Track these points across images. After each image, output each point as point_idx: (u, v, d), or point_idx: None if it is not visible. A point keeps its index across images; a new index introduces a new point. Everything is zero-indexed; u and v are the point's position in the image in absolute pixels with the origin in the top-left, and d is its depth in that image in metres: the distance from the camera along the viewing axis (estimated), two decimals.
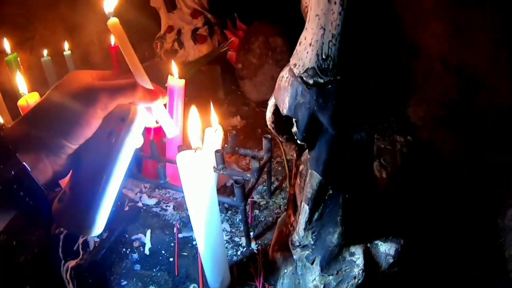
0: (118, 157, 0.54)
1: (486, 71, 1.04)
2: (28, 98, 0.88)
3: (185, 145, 1.01)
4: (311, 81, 0.56)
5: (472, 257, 0.91)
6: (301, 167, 0.71)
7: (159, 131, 1.11)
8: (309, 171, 0.66)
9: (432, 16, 1.22)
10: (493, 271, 0.88)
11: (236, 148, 1.01)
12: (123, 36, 0.55)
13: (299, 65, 0.57)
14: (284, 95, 0.59)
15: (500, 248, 0.92)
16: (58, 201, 0.54)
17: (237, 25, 1.62)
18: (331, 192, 0.67)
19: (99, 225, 0.54)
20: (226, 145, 1.01)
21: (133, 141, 0.56)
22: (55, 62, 1.49)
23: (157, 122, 0.63)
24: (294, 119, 0.60)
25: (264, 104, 1.48)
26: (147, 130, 1.11)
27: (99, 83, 0.52)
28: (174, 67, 1.04)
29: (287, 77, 0.59)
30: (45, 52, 1.47)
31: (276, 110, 0.63)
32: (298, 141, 0.63)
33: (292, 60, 0.59)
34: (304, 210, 0.69)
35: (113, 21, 0.54)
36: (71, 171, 0.53)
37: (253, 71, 1.46)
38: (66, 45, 1.55)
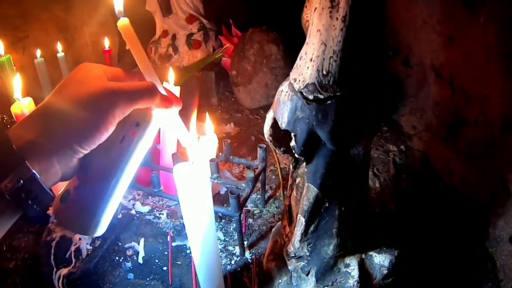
0: (129, 161, 0.53)
1: (478, 82, 1.06)
2: (23, 106, 0.87)
3: (179, 152, 1.01)
4: (311, 97, 0.57)
5: (464, 266, 0.92)
6: (297, 180, 0.71)
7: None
8: (306, 184, 0.66)
9: (426, 28, 1.24)
10: (485, 280, 0.89)
11: (231, 157, 1.01)
12: (134, 38, 0.53)
13: (299, 80, 0.58)
14: (283, 109, 0.60)
15: (491, 257, 0.93)
16: (61, 200, 0.52)
17: (232, 31, 1.63)
18: (327, 205, 0.68)
19: (103, 226, 0.54)
20: (220, 154, 1.02)
21: (145, 146, 0.55)
22: (47, 64, 1.48)
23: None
24: (292, 133, 0.60)
25: (258, 112, 1.51)
26: None
27: (118, 86, 0.48)
28: (170, 74, 1.03)
29: (286, 92, 0.60)
30: (38, 53, 1.46)
31: (275, 124, 0.63)
32: (296, 155, 0.63)
33: (292, 75, 0.59)
34: (300, 222, 0.70)
35: (123, 22, 0.52)
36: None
37: (247, 78, 1.46)
38: (59, 47, 1.54)
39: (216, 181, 0.92)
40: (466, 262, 0.93)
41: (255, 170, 0.94)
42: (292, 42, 1.47)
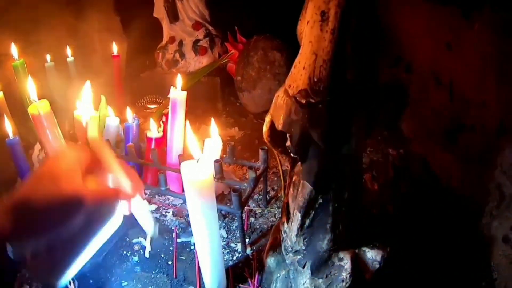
0: (96, 234, 0.61)
1: (475, 88, 1.09)
2: (40, 107, 0.93)
3: (186, 154, 1.06)
4: (303, 101, 0.62)
5: (459, 266, 0.95)
6: (294, 178, 0.76)
7: (160, 141, 1.16)
8: (301, 181, 0.71)
9: (425, 35, 1.28)
10: (480, 280, 0.93)
11: (234, 159, 1.06)
12: (104, 148, 0.61)
13: (293, 86, 0.63)
14: (280, 112, 0.65)
15: (486, 257, 0.96)
16: (32, 257, 0.56)
17: (238, 38, 1.68)
18: (321, 201, 0.73)
19: (66, 279, 0.61)
20: (224, 156, 1.07)
21: (113, 223, 0.64)
22: (57, 68, 1.53)
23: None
24: (288, 134, 0.65)
25: (262, 116, 1.54)
26: (148, 140, 1.17)
27: (86, 192, 0.55)
28: (178, 79, 1.09)
29: (282, 97, 0.65)
30: (48, 57, 1.52)
31: (272, 125, 0.69)
32: (292, 154, 0.68)
33: (287, 81, 0.65)
34: (296, 217, 0.75)
35: (93, 136, 0.63)
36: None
37: (252, 83, 1.52)
38: (69, 51, 1.59)
39: (219, 181, 0.97)
40: (461, 262, 0.96)
41: (257, 170, 1.00)
42: (295, 49, 1.52)
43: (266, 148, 1.02)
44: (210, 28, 1.76)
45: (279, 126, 0.65)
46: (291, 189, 0.78)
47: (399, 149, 1.39)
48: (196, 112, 1.49)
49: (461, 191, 1.13)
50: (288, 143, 0.66)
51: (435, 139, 1.31)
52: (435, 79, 1.28)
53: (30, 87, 1.01)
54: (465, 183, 1.13)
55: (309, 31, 0.60)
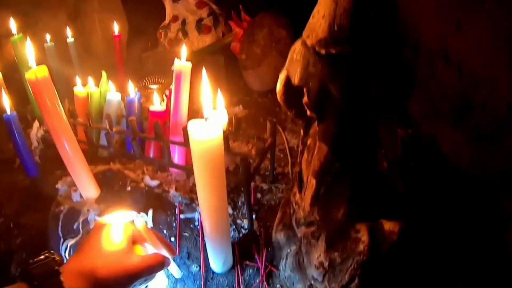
0: None
1: (485, 66, 1.06)
2: (37, 72, 0.87)
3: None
4: (323, 51, 0.57)
5: (473, 245, 0.91)
6: (308, 141, 0.71)
7: (163, 114, 1.11)
8: (317, 143, 0.66)
9: (434, 14, 1.24)
10: (493, 259, 0.89)
11: (241, 132, 1.01)
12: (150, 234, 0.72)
13: (311, 36, 0.58)
14: (296, 65, 0.60)
15: (499, 236, 0.93)
16: None
17: (242, 16, 1.63)
18: (338, 166, 0.68)
19: None
20: (230, 128, 1.02)
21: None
22: (57, 49, 1.49)
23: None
24: (305, 89, 0.60)
25: (267, 95, 1.51)
26: (151, 113, 1.12)
27: (143, 262, 0.69)
28: (183, 50, 1.04)
29: (299, 48, 0.60)
30: (48, 37, 1.47)
31: (287, 83, 0.64)
32: (308, 112, 0.63)
33: (305, 32, 0.60)
34: (311, 184, 0.70)
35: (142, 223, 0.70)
36: None
37: (257, 61, 1.47)
38: (69, 32, 1.55)
39: (225, 152, 0.92)
40: (474, 241, 0.92)
41: (265, 142, 0.95)
42: (301, 26, 1.48)
43: (274, 120, 0.98)
44: (214, 6, 1.70)
45: (295, 80, 0.60)
46: (305, 154, 0.73)
47: (407, 128, 1.35)
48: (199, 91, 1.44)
49: (471, 170, 1.10)
50: (305, 99, 0.61)
51: (443, 119, 1.28)
52: (444, 58, 1.24)
53: (28, 53, 0.95)
54: (475, 162, 1.09)
55: None
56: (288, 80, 0.63)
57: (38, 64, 0.90)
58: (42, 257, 0.65)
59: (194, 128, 0.63)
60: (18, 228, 1.04)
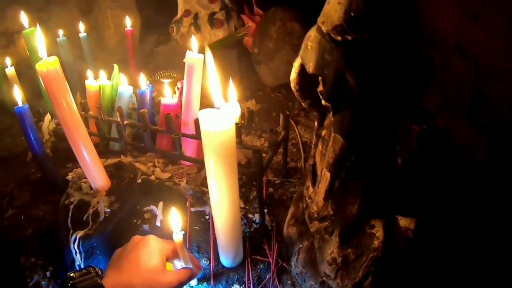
0: None
1: (502, 58, 1.03)
2: (48, 64, 0.86)
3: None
4: (339, 38, 0.55)
5: (491, 238, 0.89)
6: (323, 133, 0.69)
7: (175, 107, 1.10)
8: (332, 135, 0.64)
9: (449, 7, 1.21)
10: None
11: (253, 125, 0.99)
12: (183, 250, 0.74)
13: (327, 23, 0.56)
14: (311, 53, 0.58)
15: None
16: None
17: (254, 10, 1.61)
18: (353, 159, 0.66)
19: None
20: (243, 121, 1.00)
21: None
22: (69, 44, 1.49)
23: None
24: (320, 78, 0.58)
25: (279, 89, 1.49)
26: (163, 106, 1.11)
27: (174, 277, 0.71)
28: (193, 42, 1.02)
29: (314, 35, 0.58)
30: (60, 32, 1.47)
31: (301, 71, 0.62)
32: (324, 102, 0.61)
33: (320, 18, 0.58)
34: (325, 178, 0.68)
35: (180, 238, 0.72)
36: None
37: (270, 56, 1.45)
38: (81, 27, 1.55)
39: (238, 146, 0.91)
40: (492, 234, 0.90)
41: (278, 135, 0.93)
42: (314, 20, 1.45)
43: (287, 113, 0.96)
44: (226, 0, 1.69)
45: (310, 68, 0.58)
46: (319, 145, 0.71)
47: (421, 124, 1.32)
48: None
49: (486, 163, 1.08)
50: (320, 88, 0.59)
51: (458, 113, 1.25)
52: (459, 51, 1.21)
53: (39, 44, 0.93)
54: (492, 155, 1.07)
55: None
56: (302, 69, 0.62)
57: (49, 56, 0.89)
58: (84, 271, 0.67)
59: (206, 119, 0.61)
60: (29, 219, 1.04)
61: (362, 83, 0.57)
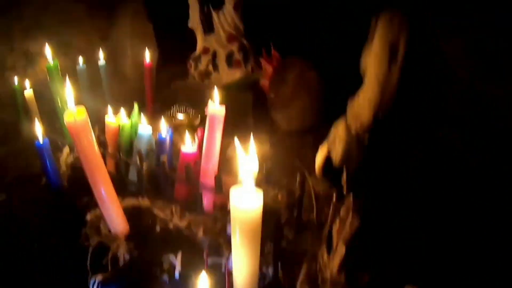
0: None
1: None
2: (76, 115, 0.90)
3: (222, 174, 1.03)
4: (366, 136, 0.60)
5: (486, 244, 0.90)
6: (342, 212, 0.73)
7: (194, 156, 1.13)
8: (350, 214, 0.69)
9: None
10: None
11: (272, 183, 1.04)
12: None
13: (356, 123, 0.61)
14: (339, 146, 0.63)
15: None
16: None
17: (272, 53, 1.66)
18: (368, 237, 0.70)
19: None
20: (261, 177, 1.04)
21: None
22: (88, 72, 1.53)
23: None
24: (345, 171, 0.63)
25: (294, 134, 1.52)
26: (182, 155, 1.14)
27: None
28: (216, 93, 1.06)
29: (342, 130, 0.63)
30: (80, 60, 1.51)
31: (327, 159, 0.66)
32: (344, 191, 0.66)
33: (349, 115, 0.63)
34: (341, 251, 0.72)
35: None
36: None
37: (287, 102, 1.50)
38: (101, 55, 1.58)
39: None
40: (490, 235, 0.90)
41: (293, 195, 0.97)
42: (329, 71, 1.50)
43: (304, 171, 1.00)
44: (245, 41, 1.74)
45: (337, 161, 0.63)
46: (336, 222, 0.75)
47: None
48: (226, 128, 1.47)
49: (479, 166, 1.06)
50: (343, 179, 0.64)
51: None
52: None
53: (68, 93, 0.97)
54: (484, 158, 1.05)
55: (376, 65, 0.58)
56: (328, 156, 0.66)
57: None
58: None
59: (237, 197, 0.66)
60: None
61: (381, 175, 0.62)
